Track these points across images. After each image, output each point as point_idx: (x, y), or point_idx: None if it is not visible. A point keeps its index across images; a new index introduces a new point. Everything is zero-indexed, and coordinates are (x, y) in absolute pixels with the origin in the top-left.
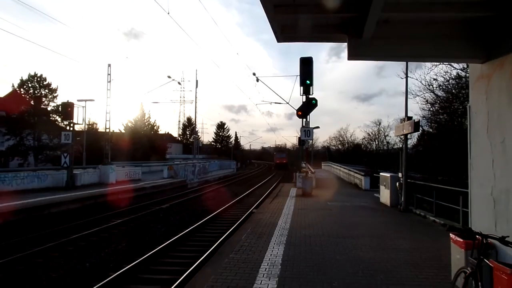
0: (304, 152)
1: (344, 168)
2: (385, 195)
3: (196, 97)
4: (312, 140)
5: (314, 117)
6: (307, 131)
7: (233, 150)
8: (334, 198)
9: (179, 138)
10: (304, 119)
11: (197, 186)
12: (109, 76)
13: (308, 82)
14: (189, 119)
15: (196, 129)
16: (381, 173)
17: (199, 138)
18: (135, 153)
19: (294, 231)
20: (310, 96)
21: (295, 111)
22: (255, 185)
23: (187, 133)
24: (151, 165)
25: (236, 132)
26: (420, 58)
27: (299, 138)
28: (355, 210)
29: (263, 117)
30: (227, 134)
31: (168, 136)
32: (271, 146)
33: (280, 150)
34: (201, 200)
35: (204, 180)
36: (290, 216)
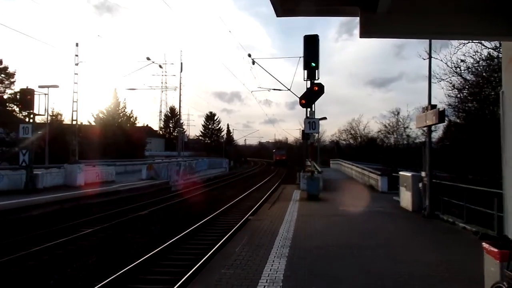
0: (309, 148)
1: (357, 167)
2: (406, 198)
3: (180, 83)
4: (318, 133)
5: (320, 106)
6: (312, 122)
7: (225, 145)
8: (345, 202)
9: (161, 132)
10: (309, 109)
11: (182, 188)
12: (76, 57)
13: (313, 64)
14: (172, 109)
15: (181, 121)
16: (400, 172)
17: (185, 131)
18: (108, 150)
19: (298, 242)
20: (315, 81)
21: (298, 100)
22: (252, 187)
23: (170, 125)
24: (127, 164)
25: (228, 125)
26: (446, 35)
27: (303, 131)
28: (370, 216)
29: (260, 107)
30: (217, 127)
31: (147, 129)
32: (270, 140)
33: (279, 147)
34: (187, 205)
35: (191, 181)
36: (293, 224)
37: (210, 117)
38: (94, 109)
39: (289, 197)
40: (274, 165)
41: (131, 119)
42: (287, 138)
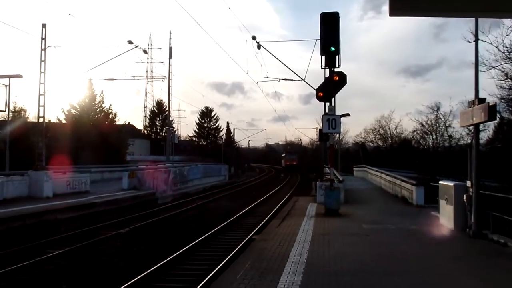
0: (328, 152)
1: (387, 175)
2: (447, 213)
3: (169, 72)
4: (340, 133)
5: (341, 100)
6: (331, 120)
7: (224, 148)
8: (372, 219)
9: (146, 132)
10: (328, 103)
11: (172, 201)
12: (43, 41)
13: (332, 49)
14: (159, 104)
15: (170, 118)
16: (440, 182)
17: (175, 131)
18: (81, 153)
19: (314, 267)
20: (335, 70)
21: (314, 92)
22: (257, 199)
23: (157, 124)
24: (104, 171)
25: (228, 123)
26: (497, 12)
27: (320, 130)
28: (403, 236)
29: (267, 101)
30: (215, 126)
31: (129, 129)
32: (280, 142)
33: (289, 150)
34: (178, 221)
35: (183, 192)
36: (307, 245)
37: (206, 114)
38: (65, 104)
39: (303, 212)
40: (283, 171)
41: (110, 115)
42: (300, 140)
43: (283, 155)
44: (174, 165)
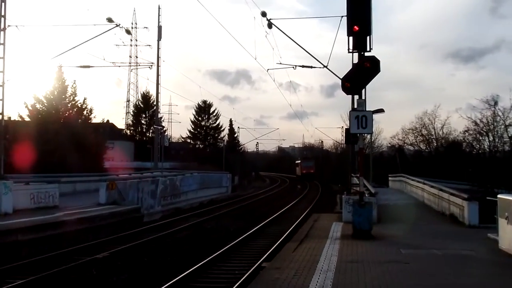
0: (357, 157)
1: (431, 186)
2: (508, 235)
3: (158, 58)
4: (372, 134)
5: (374, 93)
6: (361, 117)
7: (226, 152)
8: (413, 242)
9: (128, 132)
10: (356, 96)
11: (160, 218)
12: (3, 19)
13: (362, 28)
14: (145, 98)
15: (160, 115)
16: (499, 196)
17: (165, 131)
18: (49, 159)
19: None
20: (366, 54)
21: (340, 82)
22: (267, 217)
23: (143, 122)
24: (77, 181)
25: (231, 121)
26: None
27: (347, 130)
28: (453, 264)
29: (280, 93)
30: (214, 124)
31: (108, 128)
32: (297, 145)
33: (306, 157)
34: (167, 244)
35: (174, 208)
36: (331, 275)
37: (204, 110)
38: (29, 97)
39: (325, 233)
40: (299, 180)
41: (84, 111)
42: (322, 142)
43: (298, 161)
44: (163, 174)
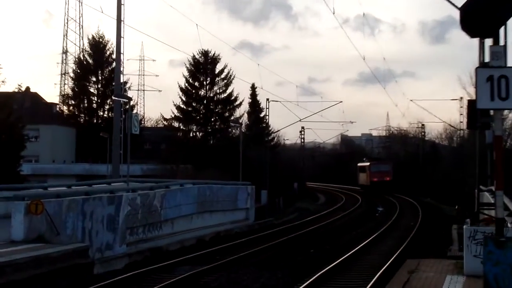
0: (494, 153)
1: None
2: None
3: None
4: None
5: None
6: (498, 80)
7: (245, 146)
8: None
9: (66, 110)
10: (489, 41)
11: (125, 268)
12: None
13: None
14: (97, 46)
15: (125, 81)
16: None
17: (133, 107)
18: None
19: None
20: None
21: (458, 14)
22: (322, 267)
23: (92, 91)
24: None
25: (254, 88)
26: None
27: (471, 104)
28: None
29: (346, 38)
30: (224, 94)
31: (28, 102)
32: (376, 131)
33: (376, 157)
34: None
35: (150, 248)
36: None
37: (204, 67)
38: None
39: None
40: (368, 190)
41: None
42: (422, 127)
43: (364, 163)
44: (131, 187)
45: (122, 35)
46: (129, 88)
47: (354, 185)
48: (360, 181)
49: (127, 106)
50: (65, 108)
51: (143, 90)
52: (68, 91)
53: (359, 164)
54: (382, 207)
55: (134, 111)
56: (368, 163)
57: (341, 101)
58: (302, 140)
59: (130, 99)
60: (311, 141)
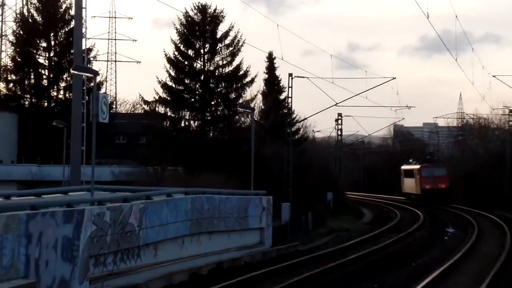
0: None
1: None
2: None
3: None
4: None
5: None
6: None
7: (259, 140)
8: None
9: (5, 89)
10: None
11: None
12: None
13: None
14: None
15: (88, 47)
16: None
17: (101, 84)
18: None
19: None
20: None
21: None
22: None
23: (41, 61)
24: None
25: (272, 58)
26: None
27: None
28: None
29: None
30: (230, 67)
31: None
32: (444, 121)
33: (430, 160)
34: None
35: (120, 285)
36: None
37: (201, 27)
38: None
39: None
40: (416, 200)
41: None
42: (510, 113)
43: (413, 167)
44: (96, 198)
45: None
46: (94, 58)
47: (398, 195)
48: (405, 188)
49: (92, 84)
50: (2, 85)
51: (115, 61)
52: (7, 61)
53: (403, 167)
54: (453, 227)
55: (102, 91)
56: (417, 166)
57: (394, 78)
58: (339, 133)
59: (96, 73)
60: (351, 133)
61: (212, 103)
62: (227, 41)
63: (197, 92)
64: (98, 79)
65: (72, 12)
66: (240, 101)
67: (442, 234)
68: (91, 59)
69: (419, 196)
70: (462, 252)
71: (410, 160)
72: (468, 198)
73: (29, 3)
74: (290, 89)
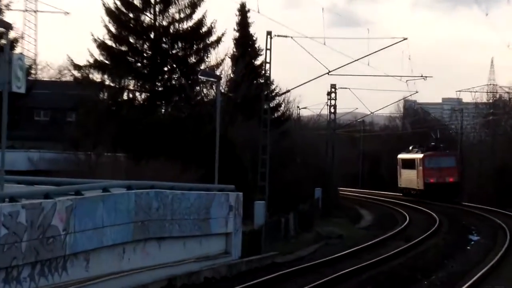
0: None
1: None
2: None
3: None
4: None
5: None
6: None
7: (227, 119)
8: None
9: None
10: None
11: None
12: None
13: None
14: None
15: None
16: None
17: (15, 42)
18: None
19: None
20: None
21: None
22: None
23: None
24: None
25: (245, 11)
26: None
27: None
28: None
29: None
30: (188, 22)
31: None
32: (469, 96)
33: (436, 148)
34: None
35: None
36: None
37: None
38: None
39: None
40: (418, 196)
41: None
42: None
43: (413, 156)
44: (8, 194)
45: None
46: (7, 6)
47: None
48: (402, 182)
49: (4, 41)
50: None
51: (35, 11)
52: None
53: (401, 156)
54: (478, 233)
55: (18, 51)
56: (419, 155)
57: (406, 38)
58: (333, 110)
59: (9, 27)
60: (348, 111)
61: (165, 69)
62: None
63: (145, 55)
64: (12, 34)
65: None
66: (203, 67)
67: (464, 243)
68: (3, 7)
69: (421, 192)
70: (490, 265)
71: (411, 148)
72: (499, 196)
73: None
74: (268, 51)
